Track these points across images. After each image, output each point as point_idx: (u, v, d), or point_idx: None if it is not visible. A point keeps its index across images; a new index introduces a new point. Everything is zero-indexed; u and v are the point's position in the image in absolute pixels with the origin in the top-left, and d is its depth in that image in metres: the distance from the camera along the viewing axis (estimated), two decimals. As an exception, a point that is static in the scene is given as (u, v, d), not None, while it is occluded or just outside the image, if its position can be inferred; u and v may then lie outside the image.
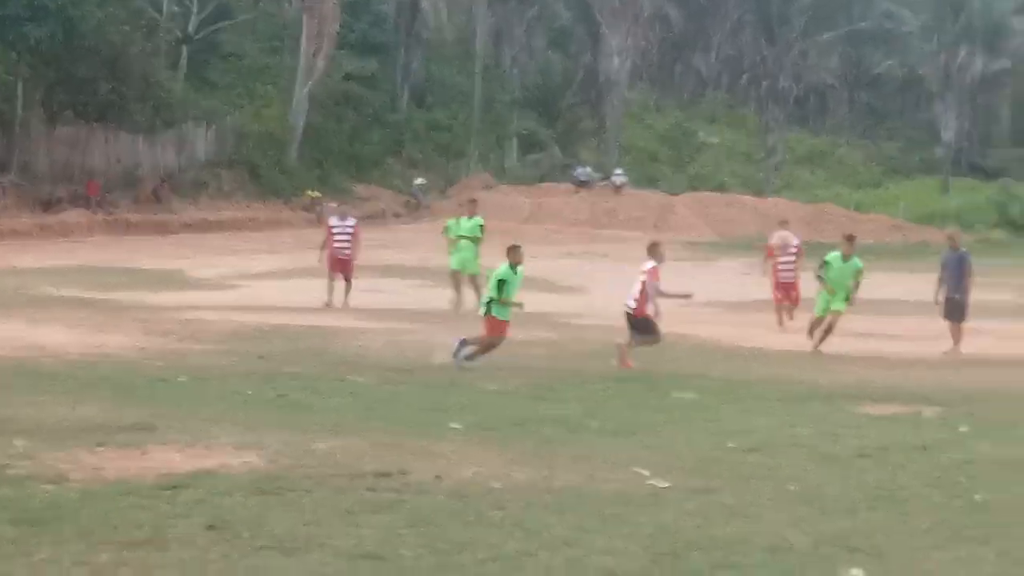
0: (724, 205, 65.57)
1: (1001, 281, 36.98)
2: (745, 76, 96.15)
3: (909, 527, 9.21)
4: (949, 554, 8.51)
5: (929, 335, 23.03)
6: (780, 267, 25.73)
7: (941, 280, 22.67)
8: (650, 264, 18.64)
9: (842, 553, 8.39)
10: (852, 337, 22.32)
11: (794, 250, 25.97)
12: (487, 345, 18.02)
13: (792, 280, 25.53)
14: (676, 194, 69.07)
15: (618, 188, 66.39)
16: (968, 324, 22.57)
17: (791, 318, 24.67)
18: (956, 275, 22.55)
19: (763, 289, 25.21)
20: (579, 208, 63.72)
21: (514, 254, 18.35)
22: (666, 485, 10.21)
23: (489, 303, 18.20)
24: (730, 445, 12.29)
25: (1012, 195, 66.44)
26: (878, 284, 24.63)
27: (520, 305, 18.34)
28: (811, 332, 21.78)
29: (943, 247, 24.66)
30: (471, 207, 28.15)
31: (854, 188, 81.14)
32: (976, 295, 23.37)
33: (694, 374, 17.71)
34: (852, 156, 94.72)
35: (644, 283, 18.50)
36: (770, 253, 26.30)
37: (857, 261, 21.63)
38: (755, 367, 18.72)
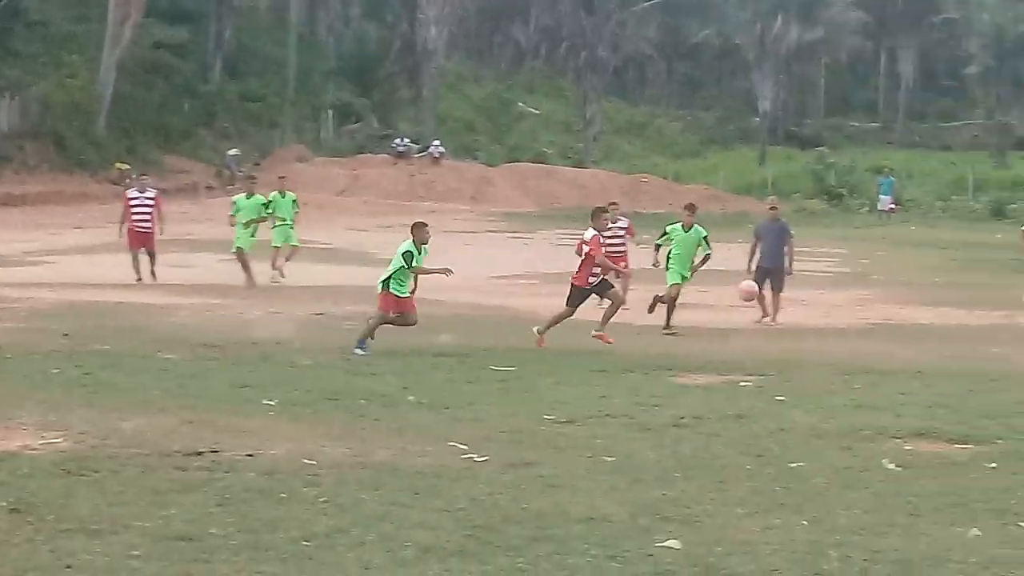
0: (543, 176, 65.92)
1: (817, 250, 37.79)
2: (564, 46, 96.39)
3: (724, 496, 9.30)
4: (763, 522, 8.60)
5: (746, 305, 23.31)
6: (607, 243, 25.77)
7: (755, 249, 22.92)
8: (590, 233, 18.30)
9: (658, 523, 8.45)
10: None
11: (622, 233, 26.01)
12: (377, 321, 17.05)
13: (620, 255, 25.59)
14: (494, 165, 69.26)
15: (436, 159, 66.38)
16: (784, 294, 22.90)
17: (623, 292, 24.51)
18: (776, 245, 22.80)
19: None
20: (397, 179, 63.48)
21: (419, 232, 17.17)
22: (483, 458, 10.16)
23: (388, 279, 17.07)
24: (546, 417, 12.30)
25: (828, 165, 67.80)
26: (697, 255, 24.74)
27: (413, 290, 17.30)
28: (654, 307, 21.70)
29: (763, 217, 24.92)
30: (249, 185, 27.90)
31: (672, 158, 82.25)
32: (793, 265, 23.70)
33: (511, 347, 17.69)
34: (670, 126, 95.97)
35: (586, 254, 18.27)
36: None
37: (700, 228, 21.65)
38: (572, 339, 18.75)
